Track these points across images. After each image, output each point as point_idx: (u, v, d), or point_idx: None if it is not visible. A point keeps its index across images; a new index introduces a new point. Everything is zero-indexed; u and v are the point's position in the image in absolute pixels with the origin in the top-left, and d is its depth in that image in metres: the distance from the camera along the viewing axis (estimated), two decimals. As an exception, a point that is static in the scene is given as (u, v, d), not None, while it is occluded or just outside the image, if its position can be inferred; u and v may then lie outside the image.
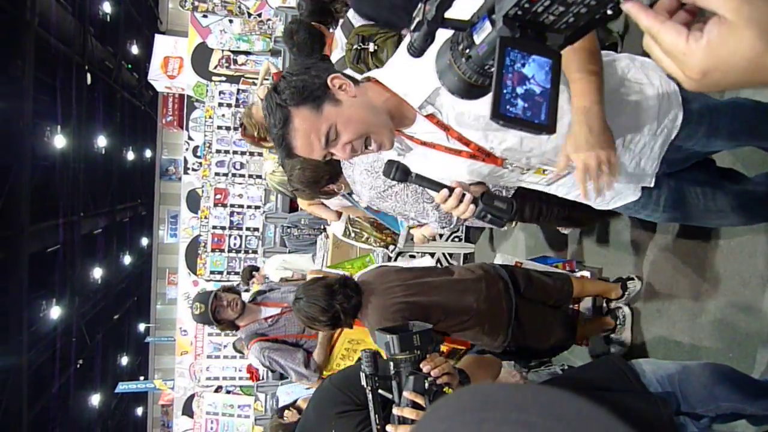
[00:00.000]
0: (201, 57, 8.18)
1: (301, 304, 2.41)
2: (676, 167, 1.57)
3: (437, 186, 1.33)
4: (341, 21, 3.49)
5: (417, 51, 0.83)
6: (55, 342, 12.55)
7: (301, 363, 3.24)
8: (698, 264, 2.57)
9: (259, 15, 8.06)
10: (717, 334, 2.46)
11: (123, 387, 12.97)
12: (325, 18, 3.87)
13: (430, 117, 1.34)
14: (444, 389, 1.33)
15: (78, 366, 14.57)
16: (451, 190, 1.32)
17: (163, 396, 12.37)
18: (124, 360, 19.99)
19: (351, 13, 3.35)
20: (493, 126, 1.00)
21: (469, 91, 0.82)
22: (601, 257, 3.29)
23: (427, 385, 1.34)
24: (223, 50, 8.04)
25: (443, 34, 0.81)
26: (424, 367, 1.39)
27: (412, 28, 0.81)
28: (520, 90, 0.67)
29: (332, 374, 1.96)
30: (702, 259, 2.55)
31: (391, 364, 1.43)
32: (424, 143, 1.43)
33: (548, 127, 0.69)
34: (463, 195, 1.31)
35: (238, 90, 7.83)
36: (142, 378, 17.68)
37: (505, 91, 0.67)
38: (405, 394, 1.34)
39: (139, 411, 19.69)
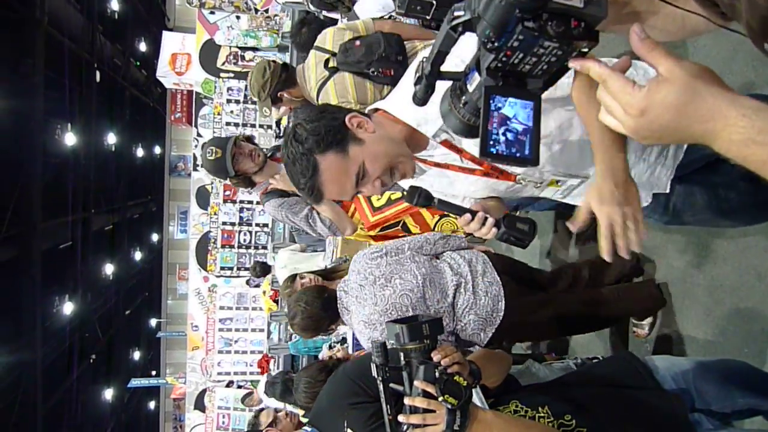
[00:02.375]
0: (209, 53, 8.20)
1: (300, 389, 2.46)
2: (686, 170, 1.55)
3: (460, 210, 1.34)
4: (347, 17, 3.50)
5: (420, 101, 0.96)
6: (68, 337, 12.68)
7: (317, 220, 2.99)
8: (712, 259, 2.55)
9: (266, 11, 8.08)
10: (732, 330, 2.44)
11: (135, 383, 13.10)
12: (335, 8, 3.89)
13: (445, 143, 1.38)
14: (454, 378, 1.34)
15: (91, 361, 14.72)
16: (474, 213, 1.32)
17: (175, 390, 12.48)
18: (136, 355, 20.16)
19: (357, 8, 3.36)
20: None
21: (469, 130, 0.94)
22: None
23: (437, 374, 1.35)
24: (230, 47, 8.05)
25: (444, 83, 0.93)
26: (435, 356, 1.40)
27: (414, 82, 0.94)
28: (504, 130, 0.79)
29: (346, 363, 1.96)
30: (716, 254, 2.53)
31: (402, 354, 1.43)
32: (437, 164, 1.45)
33: (532, 160, 0.80)
34: (486, 218, 1.31)
35: (246, 86, 7.85)
36: (153, 373, 17.84)
37: (491, 132, 0.78)
38: (416, 383, 1.35)
39: (152, 405, 19.86)
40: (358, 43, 2.41)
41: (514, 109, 0.79)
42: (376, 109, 1.46)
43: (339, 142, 1.32)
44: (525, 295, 2.32)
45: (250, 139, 3.08)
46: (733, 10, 0.75)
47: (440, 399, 1.31)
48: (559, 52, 0.74)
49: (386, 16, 3.09)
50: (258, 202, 8.13)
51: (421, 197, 1.27)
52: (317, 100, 2.66)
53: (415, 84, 0.94)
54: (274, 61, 2.96)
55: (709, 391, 1.74)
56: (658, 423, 1.64)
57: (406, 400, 1.35)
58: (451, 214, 1.40)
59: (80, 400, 13.75)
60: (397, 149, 1.37)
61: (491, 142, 0.78)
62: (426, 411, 1.31)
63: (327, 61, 2.54)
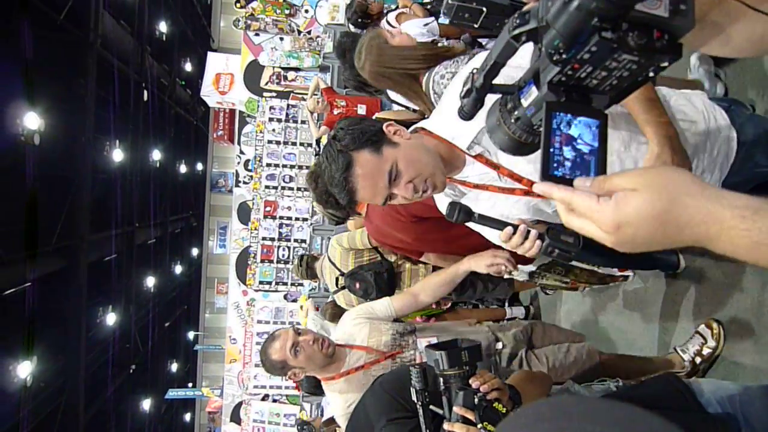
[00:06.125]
0: (253, 73, 8.42)
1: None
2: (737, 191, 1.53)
3: (501, 224, 1.29)
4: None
5: (467, 115, 0.89)
6: (110, 347, 13.01)
7: None
8: (759, 282, 2.48)
9: (309, 32, 8.27)
10: (780, 356, 2.37)
11: (172, 394, 13.32)
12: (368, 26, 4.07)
13: (479, 157, 1.38)
14: (494, 405, 1.35)
15: (131, 371, 15.05)
16: (515, 227, 1.29)
17: (210, 403, 12.63)
18: (174, 366, 20.50)
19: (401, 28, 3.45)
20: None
21: (520, 148, 0.88)
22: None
23: (476, 400, 1.36)
24: (274, 67, 8.26)
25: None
26: (474, 382, 1.41)
27: (462, 95, 0.87)
28: (567, 150, 0.71)
29: (384, 375, 1.97)
30: (764, 277, 2.46)
31: (441, 379, 1.45)
32: (476, 186, 1.45)
33: None
34: (528, 231, 1.28)
35: (288, 105, 8.04)
36: (190, 385, 18.10)
37: (553, 152, 0.71)
38: (455, 409, 1.37)
39: (187, 417, 20.12)
40: (357, 285, 3.01)
41: (578, 128, 0.72)
42: (416, 130, 1.51)
43: (375, 142, 1.37)
44: None
45: None
46: None
47: (479, 426, 1.32)
48: (633, 67, 0.66)
49: (429, 40, 3.22)
50: (297, 218, 8.26)
51: (461, 213, 1.25)
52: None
53: (463, 97, 0.88)
54: (303, 256, 3.72)
55: (757, 418, 1.69)
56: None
57: (446, 425, 1.37)
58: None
59: (119, 409, 14.05)
60: (430, 158, 1.40)
61: (554, 165, 0.71)
62: (465, 437, 1.33)
63: (338, 279, 3.16)
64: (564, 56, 0.67)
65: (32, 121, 8.29)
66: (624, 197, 0.66)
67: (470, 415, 1.33)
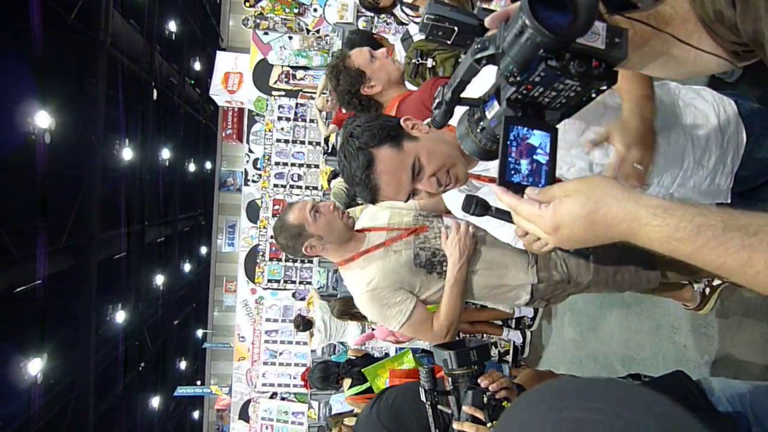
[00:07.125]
0: (262, 72, 8.44)
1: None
2: (747, 185, 1.53)
3: None
4: (401, 34, 3.58)
5: (438, 125, 1.00)
6: (119, 345, 13.09)
7: None
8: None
9: (317, 31, 8.28)
10: (791, 356, 2.35)
11: (181, 391, 13.39)
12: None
13: None
14: (503, 403, 1.34)
15: (140, 369, 15.14)
16: None
17: (218, 401, 12.69)
18: (183, 364, 20.59)
19: (411, 27, 3.43)
20: (562, 147, 1.05)
21: (486, 154, 0.99)
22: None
23: (485, 399, 1.36)
24: (282, 66, 8.28)
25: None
26: (482, 381, 1.41)
27: (433, 107, 0.97)
28: (522, 160, 0.83)
29: (380, 405, 1.91)
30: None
31: (450, 379, 1.45)
32: (491, 180, 1.45)
33: None
34: None
35: (297, 104, 8.06)
36: (198, 382, 18.18)
37: (509, 160, 0.82)
38: (464, 408, 1.36)
39: (196, 414, 20.21)
40: None
41: (533, 140, 0.83)
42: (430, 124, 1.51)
43: (394, 138, 1.36)
44: None
45: None
46: (755, 43, 0.76)
47: (489, 425, 1.31)
48: (578, 89, 0.78)
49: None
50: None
51: (477, 206, 1.20)
52: None
53: (434, 108, 0.97)
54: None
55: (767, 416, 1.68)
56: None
57: (455, 425, 1.37)
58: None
59: (129, 407, 14.14)
60: (450, 150, 1.39)
61: (511, 171, 0.82)
62: (474, 437, 1.32)
63: None
64: (518, 79, 0.78)
65: (43, 119, 8.35)
66: (559, 203, 0.78)
67: (480, 415, 1.33)
